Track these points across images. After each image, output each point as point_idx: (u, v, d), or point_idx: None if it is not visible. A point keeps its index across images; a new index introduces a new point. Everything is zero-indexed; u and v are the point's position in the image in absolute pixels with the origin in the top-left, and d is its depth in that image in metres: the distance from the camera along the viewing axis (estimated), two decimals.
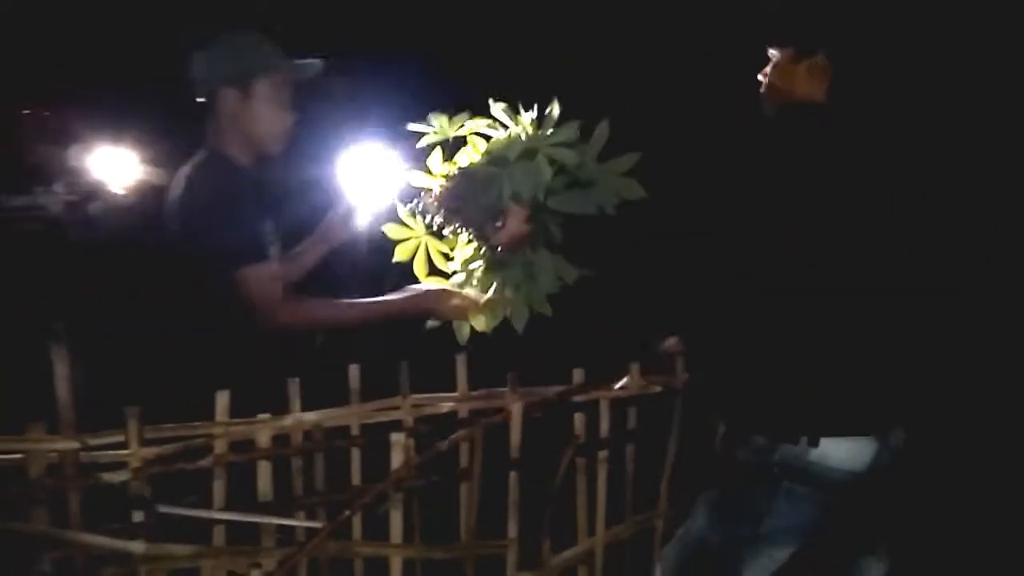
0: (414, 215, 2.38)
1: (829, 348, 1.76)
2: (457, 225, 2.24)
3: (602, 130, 2.19)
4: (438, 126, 2.29)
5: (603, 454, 2.54)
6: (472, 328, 2.44)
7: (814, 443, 1.73)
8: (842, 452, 1.74)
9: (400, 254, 2.44)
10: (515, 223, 2.15)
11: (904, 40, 1.93)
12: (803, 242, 1.75)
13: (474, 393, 2.36)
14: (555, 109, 2.21)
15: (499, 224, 2.17)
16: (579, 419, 2.49)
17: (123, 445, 1.90)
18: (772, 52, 1.93)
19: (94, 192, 2.88)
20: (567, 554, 2.47)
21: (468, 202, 2.18)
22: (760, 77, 1.96)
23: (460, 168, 2.27)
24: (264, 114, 2.48)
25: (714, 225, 1.81)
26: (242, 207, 2.34)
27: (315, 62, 2.57)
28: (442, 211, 2.24)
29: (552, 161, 2.13)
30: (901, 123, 1.88)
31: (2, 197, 2.89)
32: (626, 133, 2.11)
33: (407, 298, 2.45)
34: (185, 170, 2.47)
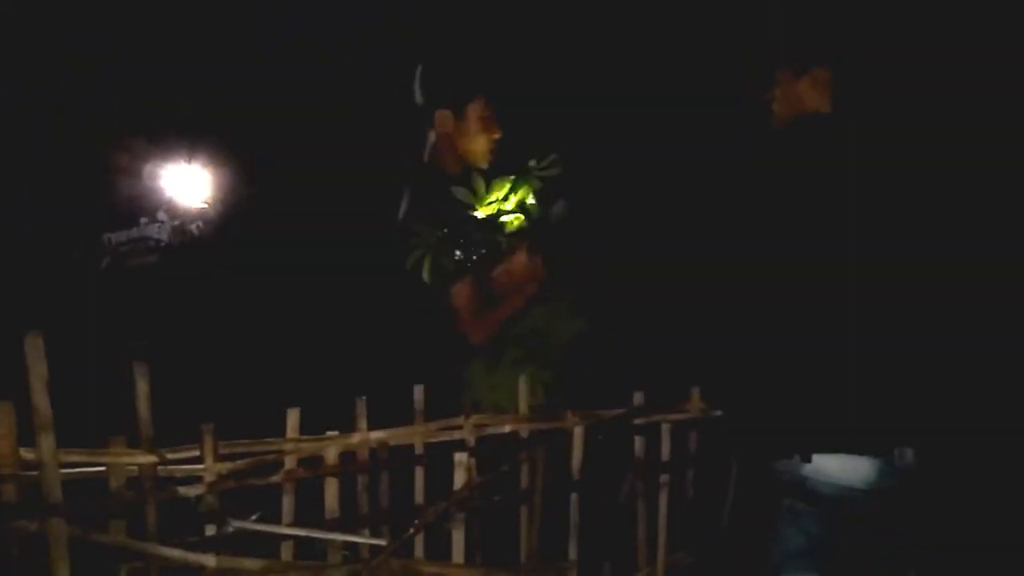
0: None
1: (821, 366, 1.77)
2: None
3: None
4: None
5: (664, 478, 2.54)
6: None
7: (807, 459, 1.76)
8: (835, 467, 1.76)
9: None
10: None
11: (901, 45, 1.93)
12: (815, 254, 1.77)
13: (535, 414, 2.38)
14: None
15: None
16: (639, 442, 2.49)
17: (198, 460, 1.96)
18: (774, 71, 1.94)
19: (195, 214, 3.01)
20: None
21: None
22: (766, 98, 1.97)
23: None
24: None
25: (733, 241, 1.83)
26: None
27: None
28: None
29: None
30: (905, 125, 1.87)
31: (112, 235, 3.02)
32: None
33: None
34: None
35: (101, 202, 3.02)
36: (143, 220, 3.11)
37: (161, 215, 3.14)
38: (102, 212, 3.00)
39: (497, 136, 2.78)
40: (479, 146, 2.77)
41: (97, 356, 2.59)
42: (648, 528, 2.52)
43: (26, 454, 1.83)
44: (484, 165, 2.79)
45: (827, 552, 1.80)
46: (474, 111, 2.74)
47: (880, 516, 1.79)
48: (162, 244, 3.15)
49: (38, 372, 1.78)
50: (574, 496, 2.42)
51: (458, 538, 2.28)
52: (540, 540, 2.35)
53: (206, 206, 2.75)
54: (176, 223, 3.14)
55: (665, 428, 2.51)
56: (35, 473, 1.83)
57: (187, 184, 2.79)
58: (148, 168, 3.02)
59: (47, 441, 1.82)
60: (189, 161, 2.82)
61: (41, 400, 1.79)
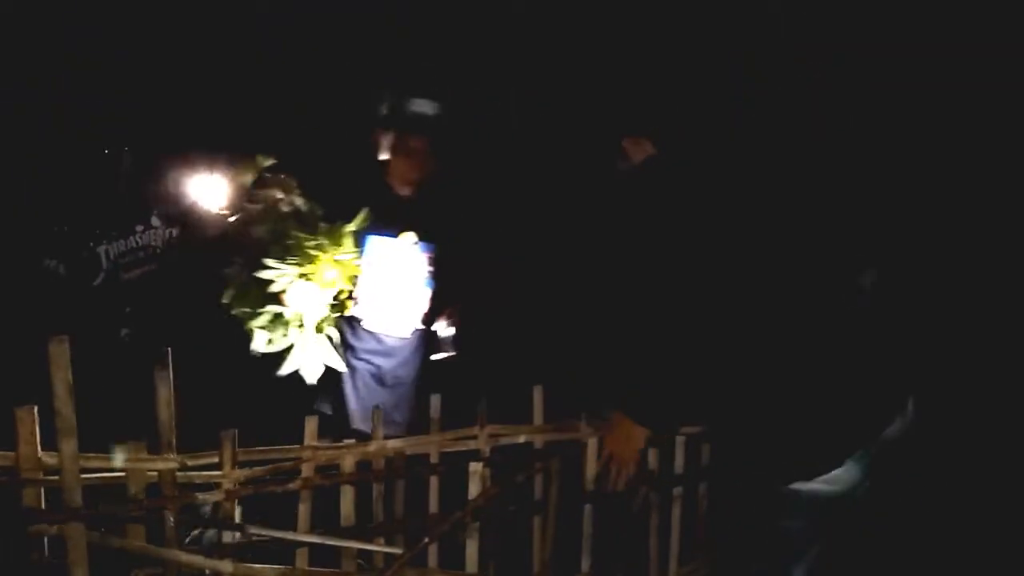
0: None
1: (799, 400, 1.87)
2: None
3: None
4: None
5: (677, 491, 2.54)
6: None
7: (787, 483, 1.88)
8: (818, 484, 1.87)
9: None
10: None
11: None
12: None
13: (549, 425, 2.38)
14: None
15: None
16: (652, 454, 2.50)
17: (216, 466, 1.97)
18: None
19: (190, 218, 3.00)
20: None
21: None
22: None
23: None
24: None
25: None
26: None
27: None
28: None
29: None
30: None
31: (109, 248, 3.02)
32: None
33: None
34: None
35: (93, 209, 3.02)
36: (139, 228, 3.11)
37: (155, 220, 3.13)
38: (95, 219, 3.00)
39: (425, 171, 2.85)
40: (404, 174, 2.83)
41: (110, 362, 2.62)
42: (661, 540, 2.53)
43: (47, 458, 1.86)
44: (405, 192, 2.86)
45: (820, 543, 1.94)
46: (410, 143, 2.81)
47: (861, 513, 1.95)
48: (159, 251, 3.14)
49: (62, 378, 1.80)
50: (588, 507, 2.43)
51: (472, 548, 2.28)
52: (553, 551, 2.36)
53: (226, 214, 2.76)
54: (172, 229, 3.14)
55: (679, 441, 2.51)
56: (56, 477, 1.85)
57: (208, 191, 2.80)
58: (172, 174, 3.02)
59: (69, 446, 1.84)
60: (212, 169, 2.83)
61: (64, 405, 1.81)
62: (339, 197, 2.61)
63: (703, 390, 1.91)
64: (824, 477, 1.84)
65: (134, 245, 3.09)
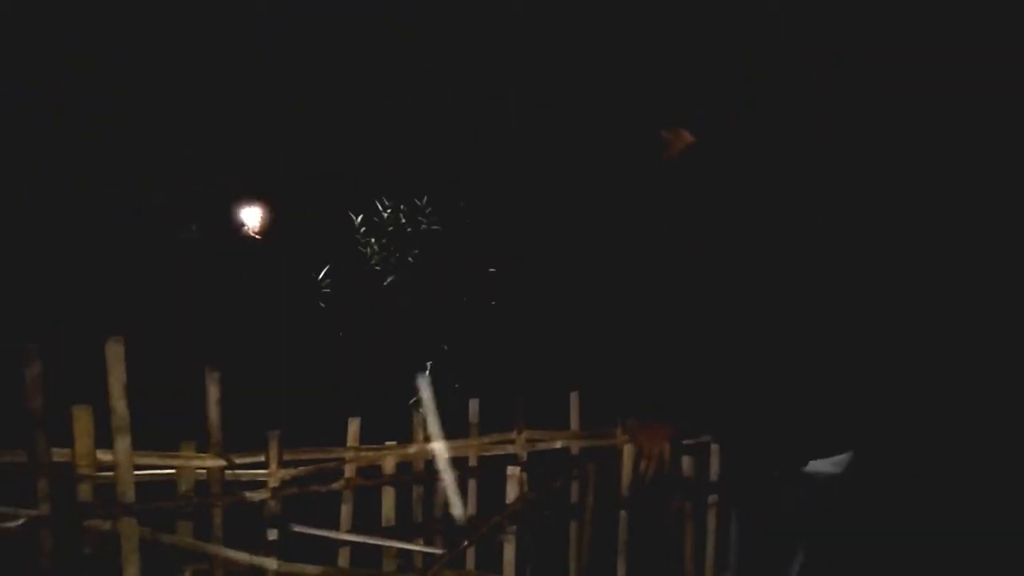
0: None
1: (806, 390, 2.07)
2: None
3: None
4: None
5: (712, 498, 2.56)
6: None
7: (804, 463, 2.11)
8: (825, 464, 2.10)
9: None
10: None
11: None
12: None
13: (586, 431, 2.41)
14: None
15: None
16: (687, 462, 2.51)
17: (262, 465, 2.03)
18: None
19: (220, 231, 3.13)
20: None
21: None
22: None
23: None
24: None
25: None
26: None
27: None
28: None
29: None
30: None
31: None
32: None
33: None
34: None
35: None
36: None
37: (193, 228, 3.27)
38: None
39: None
40: None
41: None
42: (696, 547, 2.54)
43: (101, 455, 1.92)
44: None
45: (820, 518, 2.15)
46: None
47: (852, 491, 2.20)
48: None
49: (117, 376, 1.87)
50: (623, 514, 2.45)
51: (509, 552, 2.31)
52: (589, 557, 2.38)
53: (256, 236, 2.87)
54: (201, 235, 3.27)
55: (714, 449, 2.53)
56: (110, 474, 1.92)
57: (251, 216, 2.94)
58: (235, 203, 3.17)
59: (123, 443, 1.90)
60: (255, 201, 2.96)
61: (119, 403, 1.88)
62: None
63: (720, 379, 2.05)
64: (830, 460, 2.05)
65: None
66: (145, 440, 1.95)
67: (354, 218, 2.93)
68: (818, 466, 2.09)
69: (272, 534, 2.04)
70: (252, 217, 3.20)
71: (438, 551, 2.19)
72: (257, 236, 3.14)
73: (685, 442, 2.48)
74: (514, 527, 2.30)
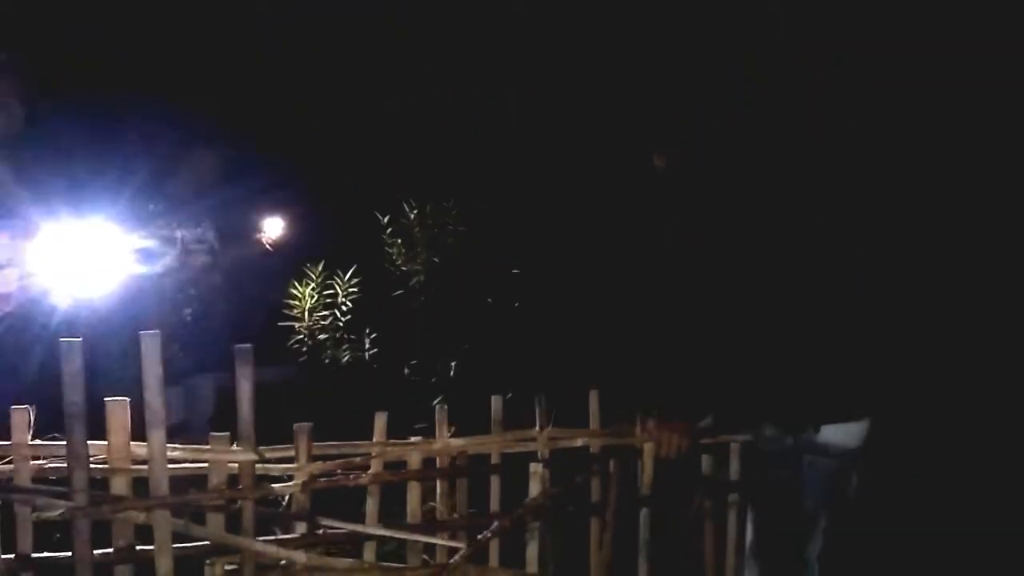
0: None
1: (819, 360, 2.33)
2: None
3: None
4: None
5: (733, 497, 2.58)
6: None
7: (817, 430, 2.37)
8: (839, 434, 2.37)
9: None
10: None
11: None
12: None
13: (606, 430, 2.44)
14: None
15: None
16: (706, 461, 2.54)
17: (290, 459, 2.07)
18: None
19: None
20: None
21: None
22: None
23: None
24: None
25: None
26: None
27: None
28: None
29: None
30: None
31: (184, 232, 3.21)
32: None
33: None
34: None
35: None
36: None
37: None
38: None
39: None
40: None
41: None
42: (716, 548, 2.56)
43: (136, 448, 1.98)
44: None
45: (837, 492, 2.39)
46: None
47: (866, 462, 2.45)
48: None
49: (153, 371, 1.92)
50: (644, 512, 2.47)
51: (533, 549, 2.34)
52: (612, 556, 2.40)
53: (270, 248, 2.99)
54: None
55: (734, 448, 2.55)
56: (144, 467, 1.97)
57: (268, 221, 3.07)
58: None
59: (157, 437, 1.96)
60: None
61: (154, 398, 1.93)
62: None
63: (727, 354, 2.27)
64: (841, 429, 2.32)
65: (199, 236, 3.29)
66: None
67: (381, 219, 2.99)
68: (831, 436, 2.30)
69: (301, 528, 2.09)
70: (273, 227, 3.26)
71: (461, 545, 2.22)
72: (270, 247, 3.22)
73: (704, 441, 2.51)
74: (537, 524, 2.33)
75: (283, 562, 2.05)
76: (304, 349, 3.13)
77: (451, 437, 2.24)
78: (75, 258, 2.69)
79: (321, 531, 2.10)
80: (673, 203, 2.28)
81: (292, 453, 2.06)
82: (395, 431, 2.20)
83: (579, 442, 2.42)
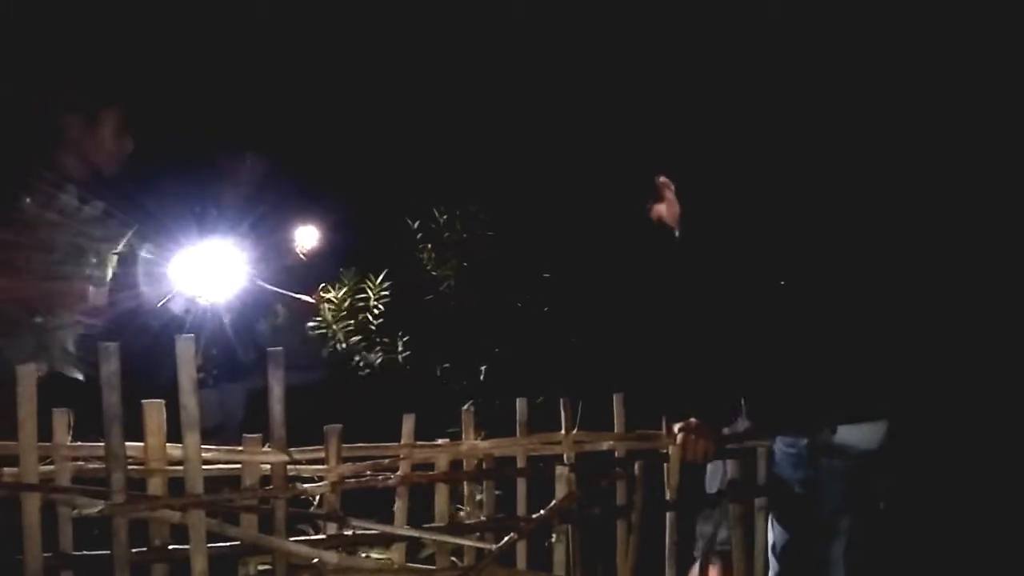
0: None
1: (835, 365, 2.36)
2: None
3: None
4: None
5: (760, 502, 2.57)
6: None
7: (834, 431, 2.37)
8: (856, 436, 2.38)
9: None
10: None
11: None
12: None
13: (632, 433, 2.45)
14: None
15: None
16: (732, 465, 2.54)
17: (321, 461, 2.12)
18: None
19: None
20: None
21: None
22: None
23: None
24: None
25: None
26: None
27: None
28: None
29: None
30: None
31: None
32: None
33: None
34: None
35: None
36: None
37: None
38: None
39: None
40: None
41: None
42: (744, 551, 2.55)
43: (171, 450, 2.03)
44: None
45: (854, 496, 2.39)
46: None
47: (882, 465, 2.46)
48: None
49: (188, 374, 1.98)
50: (670, 515, 2.48)
51: (560, 552, 2.36)
52: (639, 560, 2.41)
53: (303, 257, 3.12)
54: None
55: (761, 452, 2.55)
56: (180, 468, 2.03)
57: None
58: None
59: (192, 439, 2.01)
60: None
61: (189, 400, 1.99)
62: None
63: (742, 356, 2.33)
64: (859, 430, 2.35)
65: None
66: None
67: (411, 224, 3.03)
68: (848, 438, 2.33)
69: (331, 528, 2.13)
70: (307, 237, 3.33)
71: (489, 546, 2.25)
72: (304, 256, 3.29)
73: (731, 446, 2.51)
74: (564, 526, 2.35)
75: (315, 560, 2.10)
76: (339, 349, 3.19)
77: (479, 440, 2.27)
78: (206, 272, 2.93)
79: (351, 532, 2.14)
80: (691, 212, 2.35)
81: (322, 455, 2.10)
82: (427, 434, 2.25)
83: (604, 446, 2.44)
